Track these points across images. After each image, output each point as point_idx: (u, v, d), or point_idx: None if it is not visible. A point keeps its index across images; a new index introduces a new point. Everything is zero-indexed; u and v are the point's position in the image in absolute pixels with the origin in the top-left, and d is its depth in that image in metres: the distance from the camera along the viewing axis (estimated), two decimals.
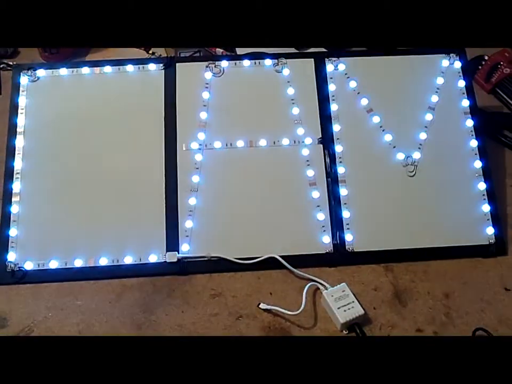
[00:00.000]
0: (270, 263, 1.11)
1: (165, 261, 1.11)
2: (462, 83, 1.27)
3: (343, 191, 1.17)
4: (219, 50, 1.45)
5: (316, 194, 1.17)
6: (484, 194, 1.19)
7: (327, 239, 1.14)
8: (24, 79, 1.25)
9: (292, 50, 1.45)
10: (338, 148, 1.21)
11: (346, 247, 1.14)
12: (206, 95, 1.24)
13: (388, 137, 1.22)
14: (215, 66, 1.27)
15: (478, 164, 1.21)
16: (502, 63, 1.45)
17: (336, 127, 1.22)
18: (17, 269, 1.10)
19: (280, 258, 1.10)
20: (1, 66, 1.45)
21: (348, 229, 1.15)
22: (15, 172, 1.17)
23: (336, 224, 1.15)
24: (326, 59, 1.28)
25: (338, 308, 1.03)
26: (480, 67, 1.48)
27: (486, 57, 1.48)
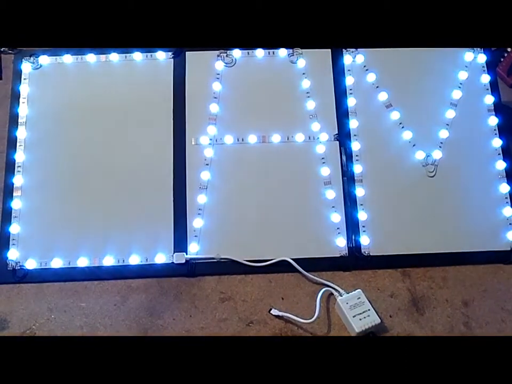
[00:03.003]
0: (282, 266, 1.06)
1: (173, 262, 1.07)
2: (486, 78, 1.21)
3: (359, 191, 1.12)
4: None
5: (330, 194, 1.12)
6: (506, 197, 1.14)
7: (342, 241, 1.09)
8: (26, 66, 1.19)
9: None
10: (355, 145, 1.15)
11: (362, 250, 1.09)
12: (217, 86, 1.18)
13: (407, 135, 1.16)
14: (226, 56, 1.21)
15: (501, 165, 1.15)
16: None
17: (353, 123, 1.17)
18: (19, 267, 1.06)
19: (292, 262, 1.06)
20: (2, 49, 1.39)
21: (364, 231, 1.10)
22: (16, 165, 1.12)
23: (352, 226, 1.10)
24: (343, 50, 1.22)
25: (354, 316, 0.99)
26: (502, 59, 1.41)
27: (509, 49, 1.41)
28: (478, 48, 1.22)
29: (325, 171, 1.13)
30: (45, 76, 1.19)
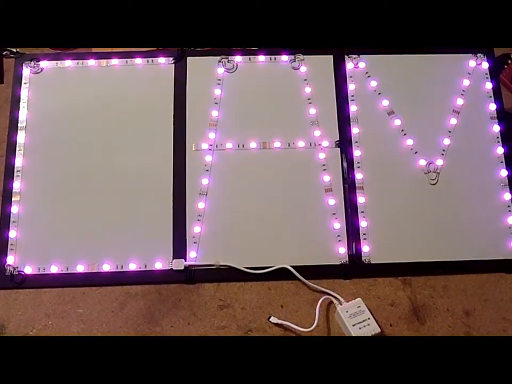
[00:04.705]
0: (281, 274, 1.05)
1: (171, 269, 1.06)
2: (489, 85, 1.20)
3: (360, 199, 1.11)
4: None
5: (331, 201, 1.11)
6: (509, 206, 1.12)
7: (342, 249, 1.08)
8: (26, 71, 1.19)
9: None
10: (356, 152, 1.14)
11: (363, 258, 1.08)
12: (217, 91, 1.18)
13: (409, 142, 1.15)
14: (228, 61, 1.20)
15: (504, 173, 1.14)
16: None
17: (354, 130, 1.16)
18: (17, 273, 1.05)
19: (292, 269, 1.05)
20: (4, 53, 1.38)
21: (365, 239, 1.09)
22: (15, 170, 1.12)
23: (353, 233, 1.09)
24: (345, 56, 1.21)
25: (353, 325, 0.98)
26: (505, 66, 1.40)
27: None
28: (481, 55, 1.22)
29: (326, 178, 1.12)
30: (46, 80, 1.18)
